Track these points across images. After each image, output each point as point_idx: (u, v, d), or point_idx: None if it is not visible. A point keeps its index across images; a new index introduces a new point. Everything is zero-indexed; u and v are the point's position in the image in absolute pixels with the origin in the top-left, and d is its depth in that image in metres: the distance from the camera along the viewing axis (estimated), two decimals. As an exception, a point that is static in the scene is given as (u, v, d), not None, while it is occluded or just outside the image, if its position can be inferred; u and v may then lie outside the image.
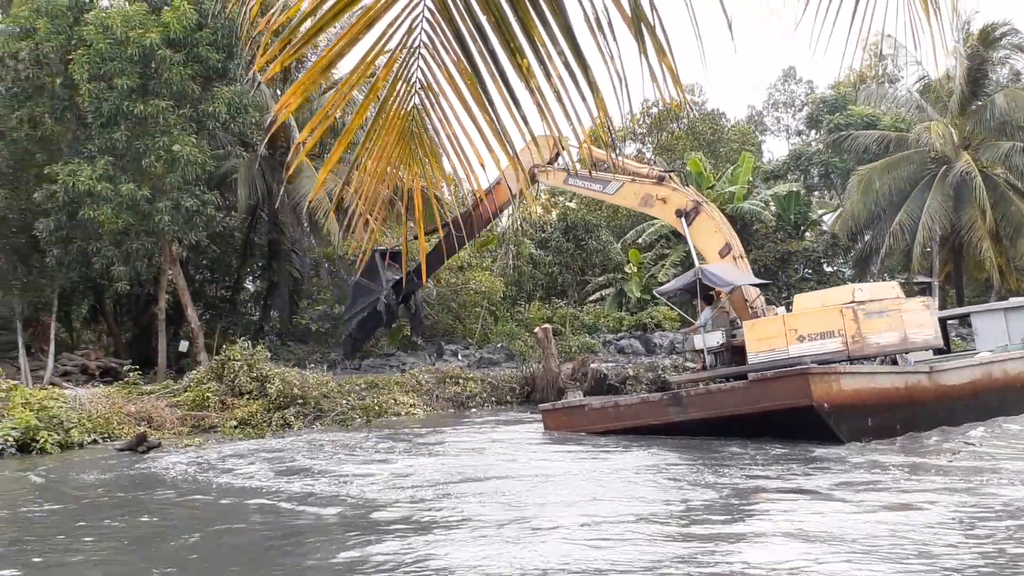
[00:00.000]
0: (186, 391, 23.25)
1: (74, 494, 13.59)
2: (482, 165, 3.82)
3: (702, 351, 19.01)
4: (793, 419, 15.49)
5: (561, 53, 3.37)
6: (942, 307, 32.24)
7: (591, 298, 43.58)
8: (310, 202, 29.00)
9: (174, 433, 20.65)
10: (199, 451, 18.10)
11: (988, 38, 36.59)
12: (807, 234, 43.81)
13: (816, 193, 51.97)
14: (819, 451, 14.75)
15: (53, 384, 26.11)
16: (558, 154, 22.45)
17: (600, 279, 43.85)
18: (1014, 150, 35.22)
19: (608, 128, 3.49)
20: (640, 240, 42.47)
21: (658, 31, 3.26)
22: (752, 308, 19.21)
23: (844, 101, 48.20)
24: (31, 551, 9.85)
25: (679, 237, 30.71)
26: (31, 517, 11.91)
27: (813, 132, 56.61)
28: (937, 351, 20.71)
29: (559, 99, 3.42)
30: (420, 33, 3.54)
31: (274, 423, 21.59)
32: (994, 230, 35.39)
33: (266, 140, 30.76)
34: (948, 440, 15.52)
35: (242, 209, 32.44)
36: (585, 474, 13.64)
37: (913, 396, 16.77)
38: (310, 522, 10.90)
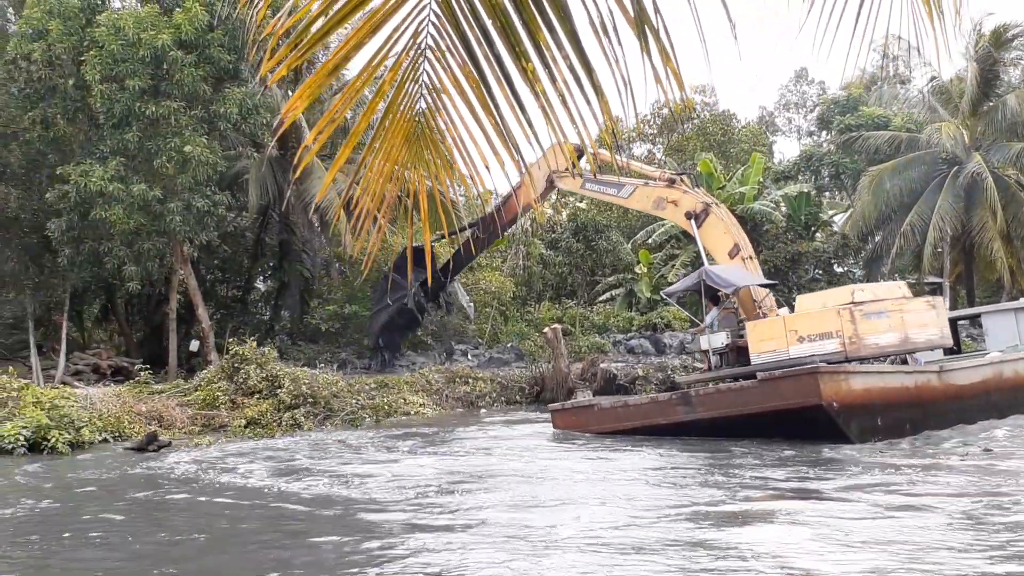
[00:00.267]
0: (196, 390, 23.34)
1: (77, 492, 13.57)
2: (487, 167, 3.83)
3: (708, 351, 19.03)
4: (802, 418, 15.49)
5: (566, 57, 3.37)
6: (953, 307, 32.14)
7: (601, 298, 43.61)
8: (318, 203, 29.07)
9: (185, 432, 20.71)
10: (206, 450, 18.16)
11: (1000, 39, 36.42)
12: (817, 235, 43.66)
13: (827, 194, 51.81)
14: (829, 452, 14.73)
15: (64, 383, 26.23)
16: (581, 154, 22.65)
17: (610, 279, 43.86)
18: (1026, 151, 35.10)
19: (612, 131, 3.50)
20: (650, 240, 42.47)
21: (662, 34, 3.28)
22: (760, 308, 19.22)
23: (855, 102, 48.04)
24: (31, 551, 9.84)
25: (689, 238, 30.69)
26: (31, 517, 11.85)
27: (824, 133, 56.43)
28: (947, 351, 20.68)
29: (563, 103, 3.43)
30: (426, 36, 3.55)
31: (284, 423, 21.66)
32: (1005, 231, 35.24)
33: (275, 140, 30.84)
34: (965, 440, 15.46)
35: (253, 209, 32.53)
36: (593, 474, 13.64)
37: (923, 396, 16.75)
38: (312, 522, 10.89)
